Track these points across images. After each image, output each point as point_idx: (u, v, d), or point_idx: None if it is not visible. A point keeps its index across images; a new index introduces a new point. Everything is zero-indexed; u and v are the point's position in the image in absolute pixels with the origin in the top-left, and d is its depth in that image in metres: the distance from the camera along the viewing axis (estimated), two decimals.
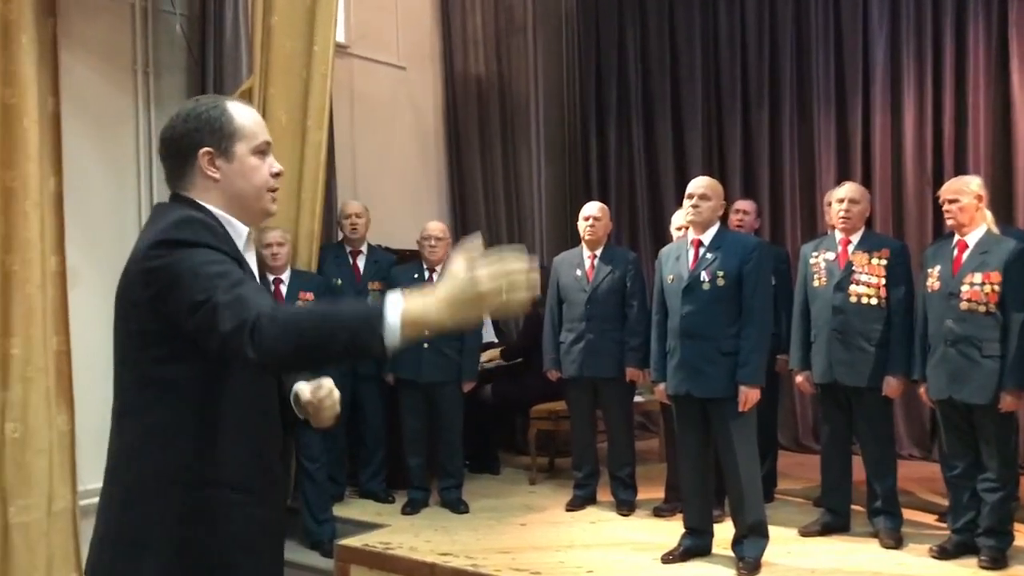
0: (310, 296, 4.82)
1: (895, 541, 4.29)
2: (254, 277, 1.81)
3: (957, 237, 4.12)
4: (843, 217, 4.42)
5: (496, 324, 6.64)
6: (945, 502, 4.45)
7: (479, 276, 1.52)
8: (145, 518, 1.69)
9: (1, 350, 3.94)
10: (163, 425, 1.70)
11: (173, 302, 1.62)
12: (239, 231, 1.82)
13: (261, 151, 1.84)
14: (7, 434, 3.93)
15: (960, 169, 5.88)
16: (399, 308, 1.53)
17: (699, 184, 4.14)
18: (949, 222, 4.15)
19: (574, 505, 5.13)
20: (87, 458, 4.15)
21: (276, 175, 1.86)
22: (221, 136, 1.80)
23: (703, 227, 4.11)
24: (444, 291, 1.54)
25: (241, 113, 1.83)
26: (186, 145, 1.80)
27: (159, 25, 5.03)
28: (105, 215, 4.68)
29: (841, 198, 4.46)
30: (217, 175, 1.80)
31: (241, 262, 1.74)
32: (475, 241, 1.59)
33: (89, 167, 4.60)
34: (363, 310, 1.62)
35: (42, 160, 4.13)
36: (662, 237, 6.94)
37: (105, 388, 4.71)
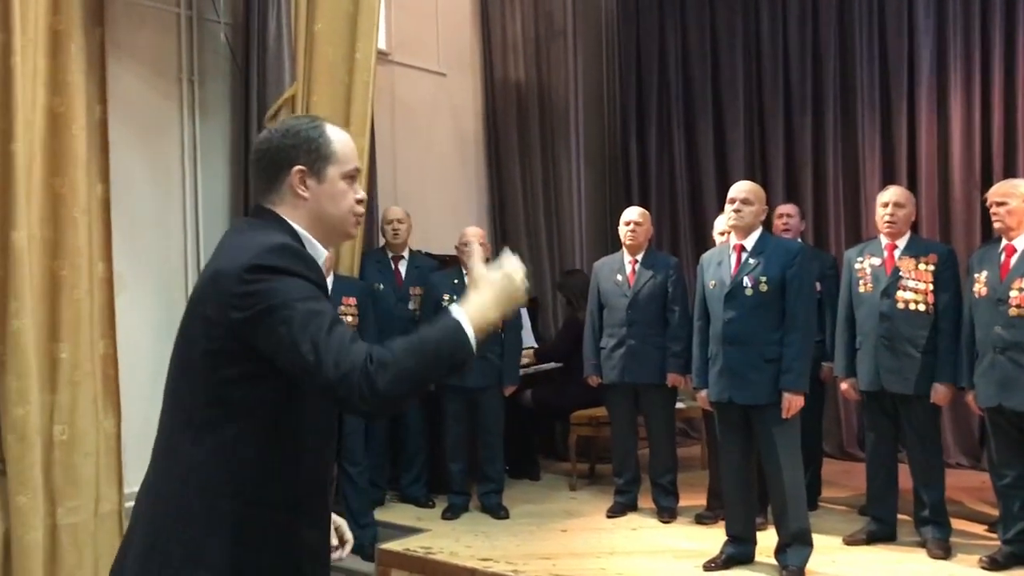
0: (352, 301, 4.85)
1: (943, 551, 4.21)
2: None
3: (1005, 241, 4.04)
4: (888, 221, 4.36)
5: (535, 329, 6.64)
6: (995, 512, 4.37)
7: (511, 272, 1.71)
8: (201, 535, 1.67)
9: (50, 354, 4.01)
10: (229, 444, 1.68)
11: (264, 333, 1.62)
12: (319, 252, 1.82)
13: (351, 176, 1.86)
14: (55, 437, 3.99)
15: (1009, 172, 5.77)
16: (467, 317, 1.65)
17: (741, 188, 4.11)
18: (997, 225, 4.08)
19: (615, 512, 5.11)
20: (133, 461, 4.20)
21: (359, 202, 1.88)
22: (316, 156, 1.81)
23: (745, 232, 4.08)
24: (490, 291, 1.69)
25: (338, 137, 1.85)
26: (281, 159, 1.81)
27: (204, 34, 5.10)
28: (150, 221, 4.75)
29: (886, 202, 4.40)
30: (306, 194, 1.81)
31: (325, 289, 1.75)
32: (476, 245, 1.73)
33: (135, 174, 4.66)
34: (448, 330, 1.64)
35: (90, 167, 4.19)
36: (703, 242, 6.89)
37: (150, 391, 4.79)
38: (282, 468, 1.73)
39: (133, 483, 4.23)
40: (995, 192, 4.10)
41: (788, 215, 5.24)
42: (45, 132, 4.04)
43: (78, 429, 4.03)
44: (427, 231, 6.02)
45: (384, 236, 5.51)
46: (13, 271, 3.80)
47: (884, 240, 4.41)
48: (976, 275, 4.11)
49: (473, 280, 1.73)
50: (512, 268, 1.72)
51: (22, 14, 3.85)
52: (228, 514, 1.68)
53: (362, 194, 1.90)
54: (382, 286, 5.34)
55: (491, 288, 1.70)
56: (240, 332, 1.64)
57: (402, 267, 5.48)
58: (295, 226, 1.80)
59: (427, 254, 5.77)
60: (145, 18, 4.82)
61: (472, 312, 1.66)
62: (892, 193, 4.45)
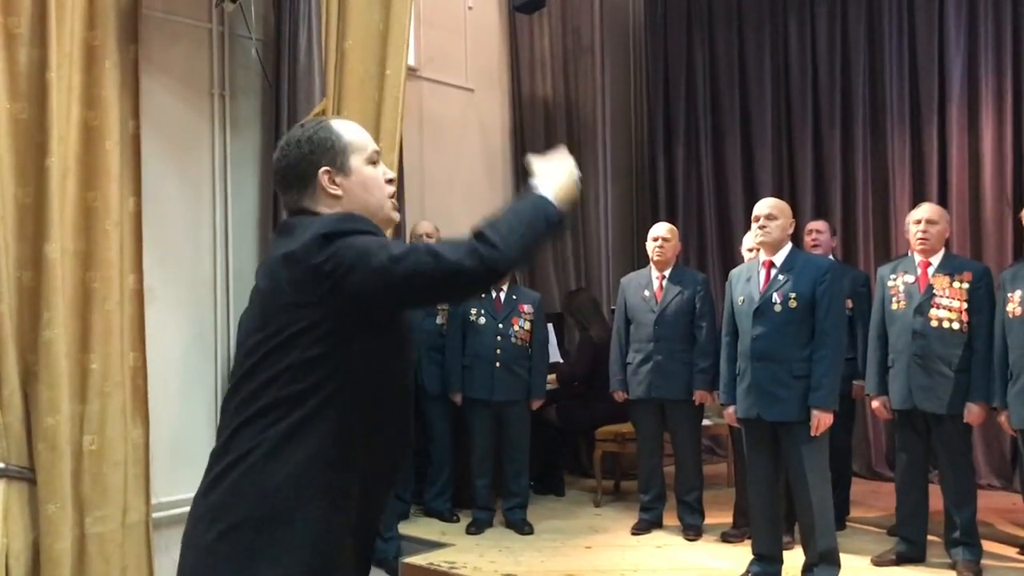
0: None
1: (974, 573, 4.15)
2: None
3: None
4: (921, 239, 4.32)
5: (561, 344, 6.63)
6: None
7: (569, 163, 1.83)
8: (275, 505, 1.69)
9: (80, 365, 4.05)
10: (302, 421, 1.70)
11: (363, 278, 1.64)
12: None
13: (373, 160, 1.91)
14: (85, 446, 4.03)
15: None
16: (549, 190, 1.77)
17: (765, 205, 4.10)
18: None
19: (640, 529, 5.08)
20: (160, 471, 4.23)
21: (390, 181, 1.93)
22: (335, 153, 1.86)
23: (774, 248, 4.06)
24: (561, 174, 1.81)
25: (347, 128, 1.90)
26: (304, 169, 1.85)
27: (235, 50, 5.15)
28: (180, 235, 4.79)
29: (919, 219, 4.36)
30: (339, 191, 1.85)
31: None
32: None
33: (167, 188, 4.72)
34: (532, 199, 1.76)
35: (122, 180, 4.24)
36: (731, 258, 6.87)
37: (178, 402, 4.84)
38: (361, 439, 1.76)
39: (161, 493, 4.28)
40: None
41: (818, 231, 5.21)
42: (79, 146, 4.10)
43: (107, 439, 4.06)
44: None
45: None
46: (46, 282, 3.85)
47: (918, 257, 4.37)
48: (1009, 294, 4.06)
49: (533, 170, 1.82)
50: (560, 154, 1.85)
51: (58, 30, 3.92)
52: (308, 484, 1.70)
53: (391, 173, 1.94)
54: None
55: (562, 172, 1.81)
56: (336, 297, 1.67)
57: None
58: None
59: None
60: (178, 34, 4.89)
61: (548, 189, 1.77)
62: (925, 210, 4.41)
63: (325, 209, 1.84)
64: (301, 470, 1.70)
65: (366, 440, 1.78)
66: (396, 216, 1.96)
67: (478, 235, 1.66)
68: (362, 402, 1.76)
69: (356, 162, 1.87)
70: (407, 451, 1.93)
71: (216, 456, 1.77)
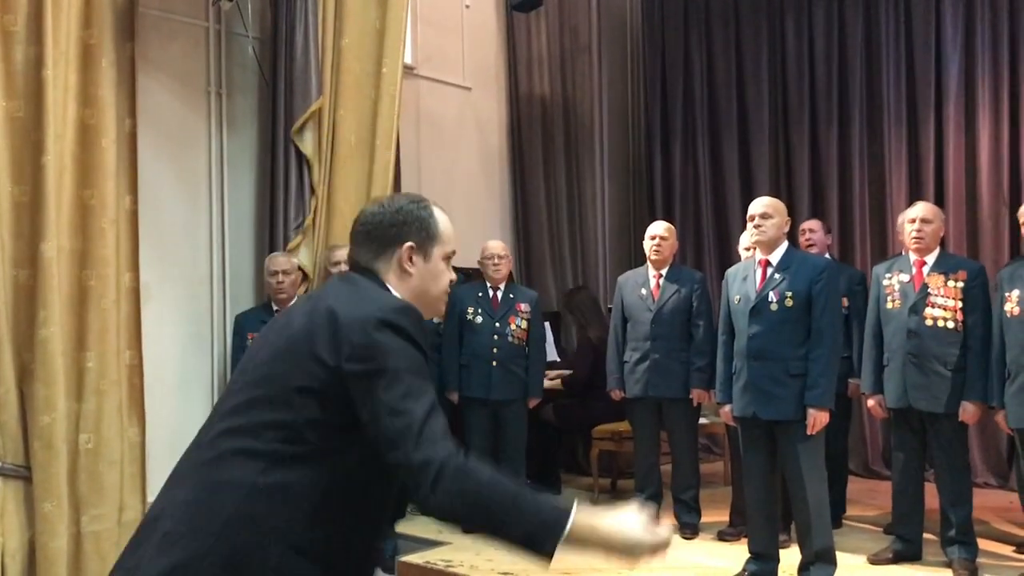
0: None
1: (970, 572, 4.16)
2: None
3: None
4: (916, 237, 4.32)
5: (558, 343, 6.64)
6: (1023, 532, 4.30)
7: (649, 536, 1.68)
8: (238, 567, 1.62)
9: (76, 363, 4.05)
10: (295, 484, 1.65)
11: (367, 389, 1.63)
12: None
13: (449, 258, 1.95)
14: (81, 445, 4.03)
15: None
16: (579, 519, 1.62)
17: (759, 204, 4.11)
18: None
19: None
20: (156, 469, 4.23)
21: (452, 282, 1.98)
22: (426, 236, 1.89)
23: (769, 246, 4.06)
24: (621, 532, 1.66)
25: (443, 219, 1.94)
26: (394, 235, 1.87)
27: (232, 48, 5.15)
28: (177, 233, 4.79)
29: (913, 218, 4.36)
30: (412, 270, 1.88)
31: (428, 360, 1.77)
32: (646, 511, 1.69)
33: (163, 186, 4.71)
34: (546, 511, 1.63)
35: (119, 179, 4.25)
36: (727, 257, 6.87)
37: (174, 401, 4.84)
38: (338, 525, 1.71)
39: (157, 492, 4.28)
40: None
41: (811, 230, 5.22)
42: (75, 145, 4.10)
43: (103, 437, 4.07)
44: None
45: None
46: (42, 281, 3.85)
47: (913, 256, 4.38)
48: (1007, 293, 4.06)
49: (619, 521, 1.68)
50: (648, 536, 1.69)
51: (54, 28, 3.92)
52: (271, 555, 1.64)
53: (454, 276, 1.99)
54: None
55: (626, 534, 1.67)
56: (347, 381, 1.65)
57: None
58: (398, 296, 1.85)
59: (453, 268, 5.77)
60: (175, 32, 4.89)
61: (590, 522, 1.64)
62: (920, 209, 4.41)
63: (394, 281, 1.86)
64: (272, 535, 1.63)
65: (345, 536, 1.73)
66: (444, 312, 2.07)
67: (455, 465, 1.59)
68: (349, 494, 1.71)
69: (438, 252, 1.92)
70: (370, 559, 1.86)
71: (188, 476, 1.72)
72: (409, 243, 1.87)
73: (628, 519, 1.67)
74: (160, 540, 1.66)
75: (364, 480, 1.72)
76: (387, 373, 1.64)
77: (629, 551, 1.67)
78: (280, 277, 4.65)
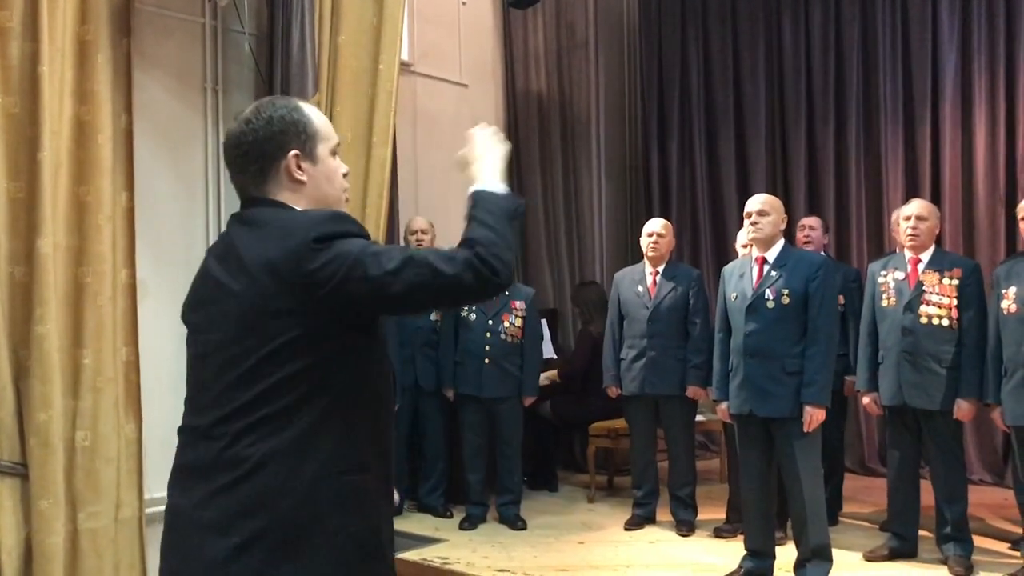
0: None
1: (965, 569, 4.17)
2: None
3: None
4: (911, 235, 4.33)
5: (555, 341, 6.64)
6: (1018, 529, 4.33)
7: (483, 138, 1.95)
8: (300, 515, 1.67)
9: (72, 360, 4.04)
10: (310, 429, 1.68)
11: (357, 283, 1.63)
12: None
13: (335, 152, 1.87)
14: (77, 442, 4.02)
15: None
16: (495, 181, 1.89)
17: (756, 201, 4.11)
18: None
19: (633, 524, 5.09)
20: (153, 467, 4.22)
21: (345, 175, 1.90)
22: (306, 138, 1.81)
23: (766, 244, 4.06)
24: (489, 157, 1.94)
25: (317, 115, 1.86)
26: (273, 147, 1.78)
27: (228, 44, 5.14)
28: (174, 230, 4.78)
29: (909, 215, 4.37)
30: (304, 177, 1.80)
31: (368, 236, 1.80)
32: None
33: (159, 183, 4.70)
34: (497, 199, 1.84)
35: (115, 175, 4.23)
36: (724, 254, 6.87)
37: (171, 398, 4.79)
38: (359, 437, 1.75)
39: (154, 489, 4.26)
40: None
41: (810, 227, 5.23)
42: (71, 141, 4.08)
43: (100, 435, 4.06)
44: (448, 241, 6.01)
45: (408, 246, 5.52)
46: (38, 277, 3.84)
47: (908, 254, 4.38)
48: (1004, 291, 4.06)
49: (465, 161, 1.94)
50: (481, 137, 1.96)
51: (50, 24, 3.90)
52: (325, 491, 1.68)
53: (345, 167, 1.91)
54: None
55: (480, 156, 1.93)
56: (329, 304, 1.64)
57: None
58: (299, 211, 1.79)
59: None
60: (171, 29, 4.87)
61: (489, 176, 1.89)
62: (915, 206, 4.42)
63: (289, 196, 1.79)
64: (318, 479, 1.68)
65: (371, 438, 1.78)
66: (345, 210, 1.93)
67: (471, 248, 1.68)
68: (360, 401, 1.75)
69: (323, 151, 1.83)
70: (392, 447, 1.93)
71: (213, 467, 1.70)
72: (293, 151, 1.78)
73: (477, 154, 1.96)
74: (204, 528, 1.68)
75: (365, 382, 1.76)
76: (357, 262, 1.63)
77: (497, 160, 1.96)
78: None
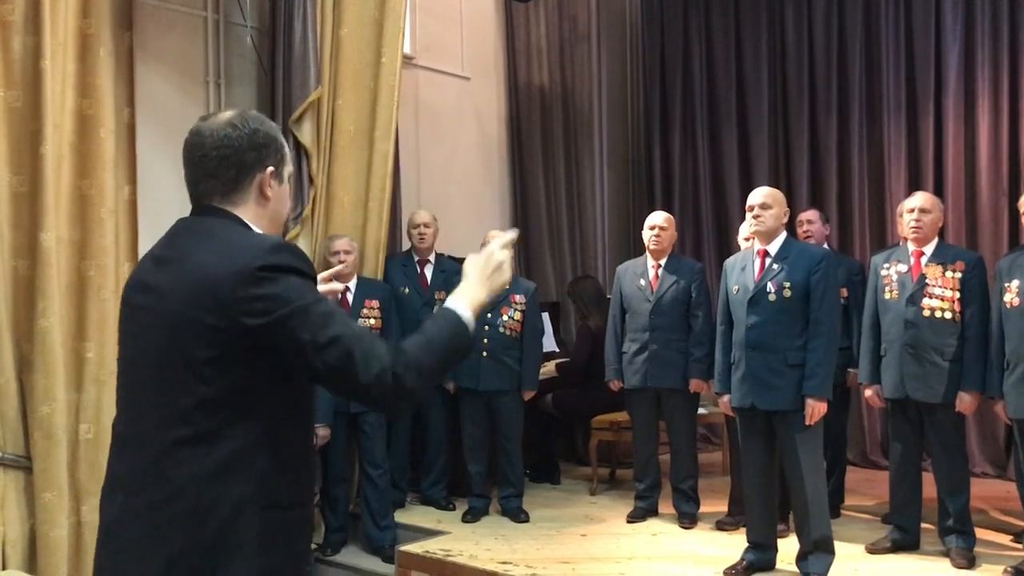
0: (375, 304, 4.88)
1: (967, 561, 4.17)
2: None
3: None
4: (914, 228, 4.32)
5: (556, 333, 6.64)
6: (1020, 522, 4.33)
7: (493, 251, 1.86)
8: (225, 544, 1.63)
9: (76, 354, 4.06)
10: (243, 449, 1.65)
11: (286, 336, 1.60)
12: None
13: (290, 178, 1.89)
14: (80, 435, 4.04)
15: None
16: (463, 305, 1.77)
17: (758, 194, 4.10)
18: None
19: (635, 517, 5.09)
20: None
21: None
22: (280, 158, 1.82)
23: (768, 237, 4.06)
24: (475, 274, 1.84)
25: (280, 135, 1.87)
26: (253, 159, 1.77)
27: (230, 38, 5.14)
28: None
29: (912, 208, 4.36)
30: (271, 195, 1.80)
31: (314, 278, 1.76)
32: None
33: (161, 176, 4.71)
34: (449, 322, 1.75)
35: (117, 169, 4.24)
36: (727, 247, 6.87)
37: None
38: (288, 467, 1.72)
39: None
40: None
41: (809, 221, 5.23)
42: (74, 134, 4.09)
43: (103, 428, 4.07)
44: (451, 235, 6.03)
45: (410, 240, 5.52)
46: (41, 271, 3.86)
47: (911, 247, 4.37)
48: (1007, 284, 4.06)
49: (464, 269, 1.87)
50: (493, 247, 1.87)
51: (52, 18, 3.91)
52: (251, 520, 1.65)
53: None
54: (408, 290, 5.36)
55: (476, 270, 1.84)
56: (256, 336, 1.61)
57: (428, 271, 5.48)
58: (255, 228, 1.78)
59: (450, 257, 5.78)
60: (173, 22, 4.88)
61: (466, 300, 1.78)
62: (918, 199, 4.41)
63: (252, 210, 1.77)
64: (242, 508, 1.65)
65: (298, 472, 1.76)
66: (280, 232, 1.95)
67: (396, 357, 1.62)
68: (289, 434, 1.73)
69: (286, 174, 1.84)
70: (314, 474, 1.94)
71: (136, 481, 1.67)
72: (269, 167, 1.78)
73: (474, 267, 1.86)
74: (125, 549, 1.67)
75: (294, 410, 1.74)
76: (294, 314, 1.60)
77: (493, 283, 1.86)
78: (343, 256, 4.76)
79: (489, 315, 5.10)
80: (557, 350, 6.40)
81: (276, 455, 1.69)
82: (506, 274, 1.86)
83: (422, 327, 1.73)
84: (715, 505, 5.11)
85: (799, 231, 5.18)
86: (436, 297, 5.37)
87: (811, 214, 5.31)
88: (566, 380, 6.03)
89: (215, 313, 1.61)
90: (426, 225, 5.42)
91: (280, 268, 1.63)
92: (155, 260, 1.77)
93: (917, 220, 4.31)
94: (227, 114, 1.80)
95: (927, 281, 4.26)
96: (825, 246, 5.05)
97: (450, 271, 5.48)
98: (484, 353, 5.05)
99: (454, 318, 1.74)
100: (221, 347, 1.62)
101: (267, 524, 1.68)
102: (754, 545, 4.14)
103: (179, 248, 1.73)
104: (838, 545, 4.05)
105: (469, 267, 1.85)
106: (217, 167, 1.75)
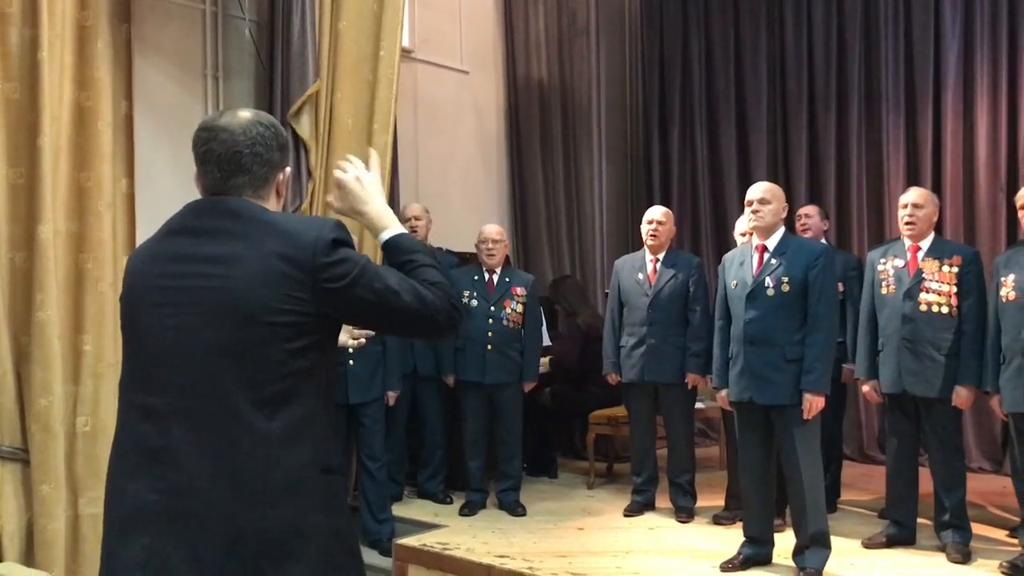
0: None
1: (963, 556, 4.18)
2: None
3: None
4: (908, 223, 4.33)
5: (551, 328, 6.64)
6: (1016, 517, 4.34)
7: (373, 172, 2.00)
8: (296, 507, 1.70)
9: (73, 346, 4.05)
10: (307, 415, 1.74)
11: (364, 289, 1.75)
12: None
13: None
14: (78, 427, 4.04)
15: None
16: (394, 229, 1.94)
17: (757, 189, 4.11)
18: None
19: (632, 511, 5.10)
20: None
21: None
22: (288, 160, 1.98)
23: (767, 232, 4.06)
24: (376, 194, 1.97)
25: None
26: (278, 159, 1.86)
27: (228, 30, 5.14)
28: None
29: (905, 203, 4.38)
30: (283, 193, 1.91)
31: None
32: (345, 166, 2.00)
33: (159, 169, 4.70)
34: (424, 249, 1.94)
35: (115, 161, 4.24)
36: (725, 242, 6.87)
37: None
38: (331, 433, 1.86)
39: None
40: None
41: (807, 215, 5.23)
42: (71, 127, 4.08)
43: (100, 420, 4.07)
44: (448, 228, 6.03)
45: None
46: (38, 263, 3.85)
47: (908, 242, 4.38)
48: (1003, 279, 4.06)
49: (362, 197, 1.96)
50: (364, 172, 1.99)
51: (49, 9, 3.90)
52: (317, 486, 1.75)
53: None
54: None
55: (375, 189, 1.98)
56: (334, 301, 1.74)
57: None
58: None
59: (448, 251, 5.78)
60: (171, 14, 4.87)
61: (394, 219, 1.96)
62: (912, 194, 4.42)
63: (272, 205, 1.86)
64: (306, 470, 1.73)
65: (333, 439, 1.89)
66: None
67: (444, 291, 1.84)
68: (329, 400, 1.85)
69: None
70: None
71: (213, 445, 1.69)
72: (288, 168, 1.91)
73: (375, 191, 1.99)
74: (198, 519, 1.67)
75: (330, 376, 1.86)
76: (365, 271, 1.76)
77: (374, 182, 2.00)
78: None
79: (492, 308, 5.12)
80: (551, 344, 6.40)
81: (327, 422, 1.82)
82: (379, 178, 2.03)
83: (415, 260, 1.88)
84: (712, 499, 5.11)
85: (797, 225, 5.19)
86: None
87: (810, 209, 5.32)
88: (557, 377, 6.03)
89: (297, 283, 1.71)
90: (416, 218, 5.40)
91: (345, 240, 1.78)
92: (194, 238, 1.79)
93: (911, 215, 4.32)
94: (246, 113, 1.86)
95: (924, 276, 4.27)
96: (823, 241, 5.05)
97: (444, 263, 5.47)
98: (489, 347, 5.08)
99: (407, 238, 1.93)
100: (301, 315, 1.72)
101: (327, 487, 1.78)
102: (751, 539, 4.15)
103: (230, 229, 1.77)
104: (834, 540, 4.05)
105: (372, 192, 1.96)
106: (252, 163, 1.82)
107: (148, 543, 1.69)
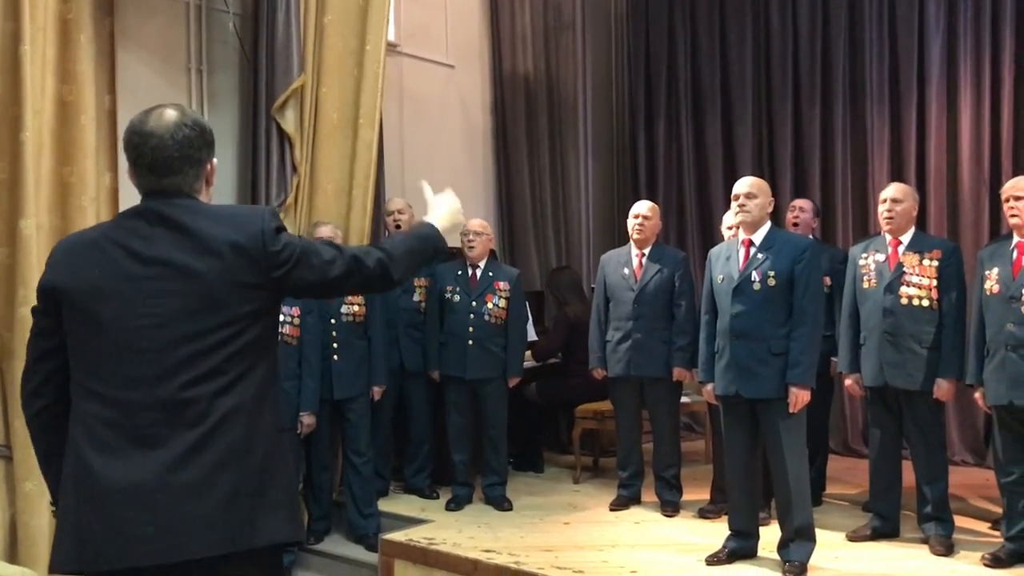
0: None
1: (946, 548, 4.21)
2: None
3: (1016, 239, 4.03)
4: (887, 217, 4.36)
5: (539, 323, 6.65)
6: (999, 509, 4.37)
7: (453, 202, 2.35)
8: (266, 466, 1.91)
9: None
10: (265, 382, 1.95)
11: (306, 266, 1.96)
12: None
13: None
14: None
15: (1018, 170, 5.73)
16: (437, 224, 2.27)
17: (744, 184, 4.11)
18: (1013, 221, 4.04)
19: (618, 505, 5.12)
20: None
21: None
22: (213, 151, 2.04)
23: (753, 226, 4.07)
24: (443, 210, 2.32)
25: None
26: (205, 155, 1.99)
27: (212, 24, 5.11)
28: None
29: (884, 198, 4.41)
30: (212, 181, 2.04)
31: None
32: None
33: None
34: (426, 231, 2.23)
35: (98, 156, 4.21)
36: (710, 237, 6.90)
37: None
38: (280, 398, 2.11)
39: None
40: (1013, 187, 4.08)
41: (801, 208, 5.25)
42: (54, 121, 4.06)
43: None
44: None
45: (387, 227, 5.50)
46: (21, 259, 3.83)
47: (888, 236, 4.40)
48: (987, 272, 4.09)
49: (430, 205, 2.34)
50: (451, 199, 2.35)
51: (31, 3, 3.87)
52: (277, 443, 1.97)
53: None
54: None
55: (445, 208, 2.32)
56: (283, 281, 1.94)
57: None
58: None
59: None
60: (154, 8, 4.83)
61: (438, 223, 2.27)
62: (891, 189, 4.45)
63: (203, 198, 2.00)
64: (269, 434, 1.94)
65: (281, 402, 2.11)
66: None
67: (386, 251, 2.08)
68: (277, 370, 2.08)
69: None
70: None
71: (177, 430, 1.84)
72: (215, 159, 2.03)
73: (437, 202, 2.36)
74: (181, 490, 1.82)
75: (276, 339, 2.11)
76: (307, 251, 1.98)
77: (457, 210, 2.36)
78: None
79: (474, 303, 5.11)
80: (536, 338, 6.40)
81: (277, 385, 2.07)
82: (462, 218, 2.37)
83: (410, 234, 2.24)
84: (697, 493, 5.13)
85: (789, 216, 5.21)
86: (415, 284, 5.34)
87: (804, 203, 5.33)
88: (541, 365, 6.03)
89: (250, 272, 1.89)
90: (400, 212, 5.37)
91: (283, 226, 1.98)
92: (141, 239, 1.90)
93: (889, 210, 4.35)
94: (172, 113, 1.96)
95: (904, 269, 4.29)
96: (811, 237, 5.07)
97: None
98: (470, 341, 5.06)
99: (431, 230, 2.23)
100: (258, 300, 1.92)
101: (284, 444, 2.03)
102: (736, 533, 4.17)
103: (180, 225, 1.90)
104: (819, 533, 4.08)
105: (441, 209, 2.32)
106: (183, 165, 1.95)
107: (128, 518, 1.85)
